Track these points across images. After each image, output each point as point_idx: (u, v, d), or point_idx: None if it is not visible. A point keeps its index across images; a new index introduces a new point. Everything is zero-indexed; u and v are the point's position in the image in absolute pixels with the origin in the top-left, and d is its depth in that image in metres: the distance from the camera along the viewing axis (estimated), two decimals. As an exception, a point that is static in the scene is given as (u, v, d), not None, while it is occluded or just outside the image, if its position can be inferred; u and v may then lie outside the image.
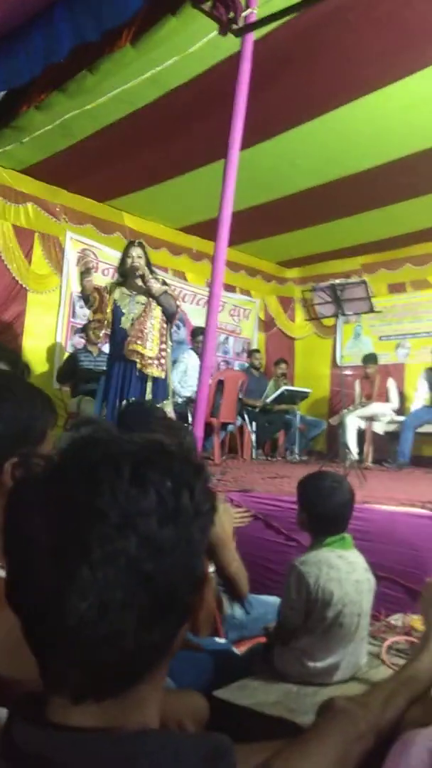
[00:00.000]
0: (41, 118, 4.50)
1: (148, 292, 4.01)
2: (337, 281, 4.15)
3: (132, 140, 4.78)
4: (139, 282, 4.03)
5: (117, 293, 4.10)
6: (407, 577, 2.48)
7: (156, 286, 4.01)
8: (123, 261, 4.14)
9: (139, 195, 5.89)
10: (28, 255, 5.78)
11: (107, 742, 0.50)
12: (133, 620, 0.48)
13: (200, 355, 4.93)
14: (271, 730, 1.36)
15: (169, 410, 4.09)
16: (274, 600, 2.17)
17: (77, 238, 6.10)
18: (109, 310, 4.05)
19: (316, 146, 4.81)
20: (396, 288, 7.29)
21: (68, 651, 0.49)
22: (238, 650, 1.84)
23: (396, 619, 2.11)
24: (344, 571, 1.48)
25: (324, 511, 1.54)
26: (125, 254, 4.13)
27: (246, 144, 3.61)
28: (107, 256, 6.20)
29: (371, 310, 4.19)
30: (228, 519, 1.81)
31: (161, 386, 4.08)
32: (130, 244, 4.21)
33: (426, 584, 1.37)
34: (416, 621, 1.98)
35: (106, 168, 5.32)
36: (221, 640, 1.80)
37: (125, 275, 4.12)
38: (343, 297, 4.06)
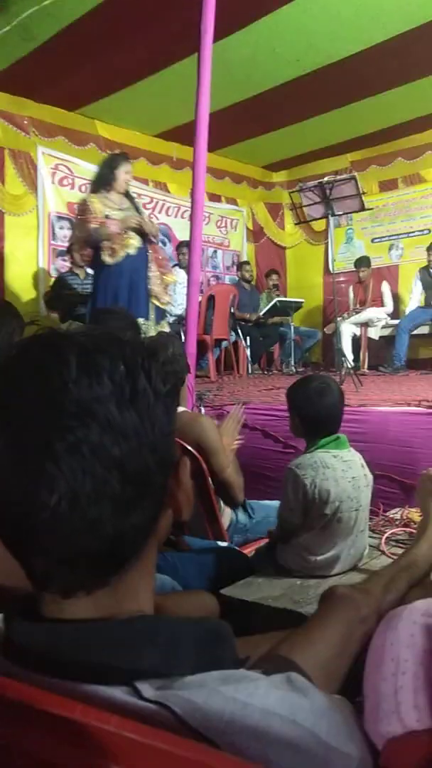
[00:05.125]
0: (-3, 20, 4.14)
1: (141, 233, 3.82)
2: (326, 179, 3.95)
3: (98, 39, 4.43)
4: (132, 222, 3.80)
5: (99, 205, 3.81)
6: (403, 473, 2.54)
7: (153, 229, 3.86)
8: (109, 174, 3.88)
9: (111, 100, 5.52)
10: (-1, 175, 5.50)
11: (103, 629, 0.50)
12: (108, 508, 0.47)
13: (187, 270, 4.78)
14: (278, 622, 1.42)
15: (166, 330, 4.04)
16: (276, 504, 2.22)
17: (49, 152, 5.76)
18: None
19: (296, 32, 4.46)
20: (387, 185, 7.02)
21: (48, 547, 0.48)
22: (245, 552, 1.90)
23: (394, 513, 2.17)
24: (340, 470, 1.49)
25: (313, 414, 1.54)
26: (113, 166, 3.87)
27: (220, 34, 3.33)
28: (83, 170, 5.89)
29: (363, 208, 4.03)
30: (214, 429, 1.82)
31: (158, 307, 4.00)
32: (121, 156, 3.98)
33: (421, 476, 1.38)
34: (414, 513, 2.04)
35: (73, 73, 4.96)
36: (224, 544, 1.86)
37: (106, 189, 3.88)
38: (333, 196, 3.88)
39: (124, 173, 3.89)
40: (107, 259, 3.76)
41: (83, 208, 3.82)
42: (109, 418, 0.47)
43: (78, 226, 3.90)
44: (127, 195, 3.97)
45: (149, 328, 3.88)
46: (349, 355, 5.45)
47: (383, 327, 6.17)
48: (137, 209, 3.98)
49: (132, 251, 3.81)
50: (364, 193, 4.00)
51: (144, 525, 0.51)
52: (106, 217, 3.77)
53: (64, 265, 5.76)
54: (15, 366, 0.50)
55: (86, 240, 3.85)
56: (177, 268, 5.89)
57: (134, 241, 3.81)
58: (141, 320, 3.75)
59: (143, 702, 0.46)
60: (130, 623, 0.51)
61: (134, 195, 4.05)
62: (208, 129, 3.28)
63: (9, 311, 0.93)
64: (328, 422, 1.55)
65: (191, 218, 3.41)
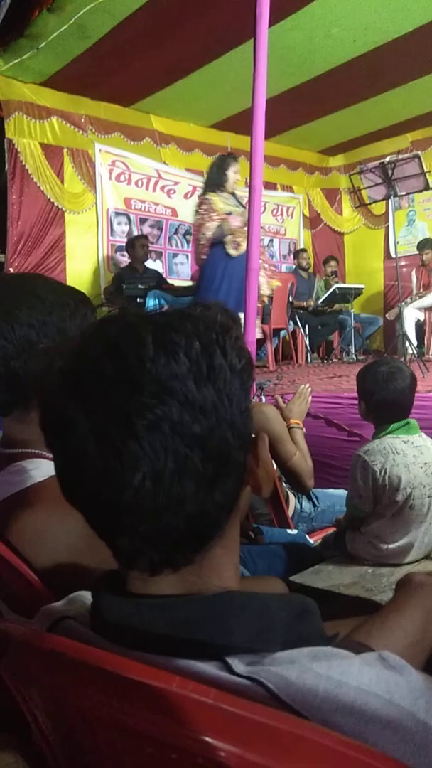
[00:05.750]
0: (55, 21, 4.26)
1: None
2: (388, 159, 3.83)
3: (151, 32, 4.45)
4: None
5: (220, 203, 4.06)
6: None
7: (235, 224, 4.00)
8: (220, 175, 4.10)
9: (165, 93, 5.54)
10: (59, 174, 5.62)
11: (192, 604, 0.51)
12: (190, 485, 0.48)
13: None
14: (350, 610, 1.39)
15: None
16: (341, 493, 2.18)
17: (106, 149, 5.85)
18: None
19: (352, 11, 4.33)
20: (450, 165, 6.73)
21: (133, 527, 0.49)
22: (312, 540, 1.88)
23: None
24: (411, 456, 1.45)
25: (383, 398, 1.51)
26: (223, 168, 4.10)
27: (274, 19, 3.26)
28: (139, 165, 5.96)
29: (427, 187, 3.88)
30: (278, 416, 1.80)
31: None
32: (229, 157, 4.18)
33: None
34: None
35: (127, 68, 5.01)
36: (293, 532, 1.84)
37: (219, 189, 4.09)
38: (395, 176, 3.76)
39: (233, 173, 4.11)
40: (232, 252, 4.00)
41: (206, 206, 4.05)
42: (188, 395, 0.47)
43: (202, 224, 4.10)
44: (379, 169, 4.15)
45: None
46: (414, 341, 5.28)
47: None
48: (243, 206, 4.13)
49: None
50: (428, 171, 3.85)
51: (225, 502, 0.51)
52: (228, 213, 4.02)
53: (123, 260, 5.86)
54: (91, 346, 0.50)
55: (212, 236, 4.06)
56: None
57: None
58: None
59: (235, 677, 0.46)
60: (219, 598, 0.51)
61: (236, 193, 4.23)
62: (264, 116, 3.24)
63: (83, 299, 0.94)
64: (396, 407, 1.51)
65: (249, 207, 3.38)
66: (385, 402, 1.51)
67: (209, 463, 0.48)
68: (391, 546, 1.50)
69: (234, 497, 0.53)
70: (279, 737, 0.40)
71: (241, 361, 0.52)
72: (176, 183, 6.30)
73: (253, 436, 0.54)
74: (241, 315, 4.00)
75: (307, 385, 2.10)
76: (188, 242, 6.49)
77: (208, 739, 0.40)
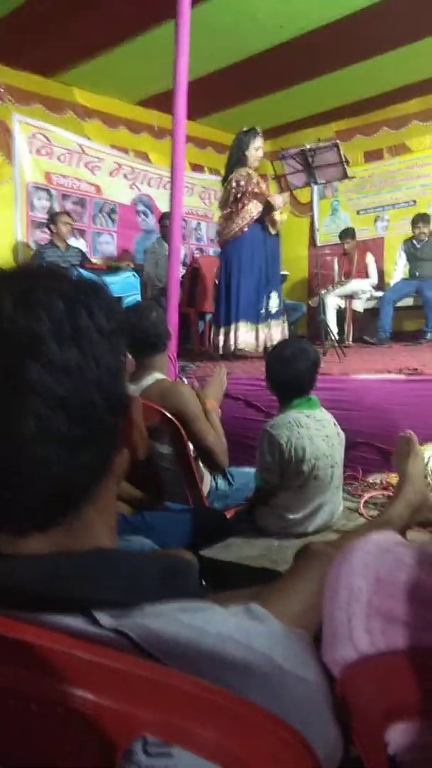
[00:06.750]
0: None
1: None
2: (308, 145, 3.90)
3: (74, 1, 4.28)
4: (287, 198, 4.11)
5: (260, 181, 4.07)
6: (383, 440, 2.56)
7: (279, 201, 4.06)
8: (240, 154, 4.06)
9: (89, 65, 5.37)
10: (-25, 144, 5.36)
11: (60, 561, 0.50)
12: (54, 448, 0.47)
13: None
14: (256, 582, 1.43)
15: None
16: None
17: (26, 120, 5.60)
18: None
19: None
20: (373, 156, 6.94)
21: None
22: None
23: (373, 478, 2.20)
24: (313, 428, 1.52)
25: (285, 377, 1.58)
26: (243, 147, 4.06)
27: (199, -1, 3.23)
28: (61, 139, 5.76)
29: (345, 176, 3.98)
30: (194, 396, 1.82)
31: None
32: (250, 132, 4.10)
33: (398, 438, 1.40)
34: (392, 477, 2.06)
35: (49, 37, 4.82)
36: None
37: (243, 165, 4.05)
38: (315, 163, 3.83)
39: (254, 150, 4.06)
40: (272, 230, 4.10)
41: (248, 180, 3.98)
42: (50, 356, 0.46)
43: (243, 202, 4.05)
44: (300, 155, 4.13)
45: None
46: (334, 328, 5.45)
47: (368, 299, 6.17)
48: None
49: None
50: (347, 161, 3.95)
51: (95, 465, 0.51)
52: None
53: (43, 237, 5.66)
54: None
55: (257, 214, 4.05)
56: (162, 240, 5.83)
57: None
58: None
59: (101, 630, 0.46)
60: (88, 554, 0.51)
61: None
62: (187, 96, 3.22)
63: None
64: (296, 385, 1.59)
65: (171, 187, 3.36)
66: (286, 380, 1.58)
67: (74, 425, 0.47)
68: (297, 516, 1.56)
69: (106, 461, 0.52)
70: (136, 683, 0.41)
71: (110, 322, 0.51)
72: (101, 159, 6.14)
73: (127, 398, 0.54)
74: (276, 292, 4.25)
75: (223, 367, 2.13)
76: (113, 221, 6.37)
77: (64, 687, 0.40)
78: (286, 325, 4.40)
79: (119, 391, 0.52)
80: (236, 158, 4.10)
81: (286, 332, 4.38)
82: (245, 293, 4.12)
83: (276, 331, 4.19)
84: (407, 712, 0.51)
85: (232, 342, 4.15)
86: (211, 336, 4.50)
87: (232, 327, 4.16)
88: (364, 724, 0.52)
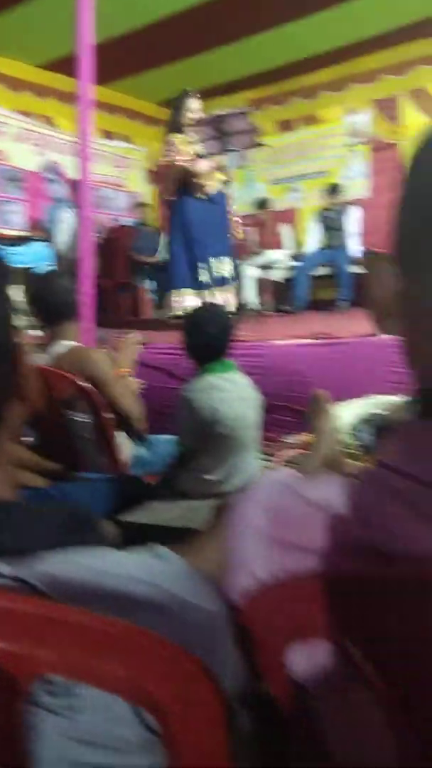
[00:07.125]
0: None
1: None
2: (217, 112, 3.89)
3: None
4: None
5: (184, 144, 3.95)
6: (300, 402, 2.64)
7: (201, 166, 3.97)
8: (178, 114, 4.00)
9: (-12, 24, 5.04)
10: None
11: None
12: None
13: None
14: (174, 541, 1.46)
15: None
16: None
17: None
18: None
19: None
20: (285, 126, 7.00)
21: None
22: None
23: (291, 439, 2.27)
24: (228, 390, 1.55)
25: (198, 340, 1.59)
26: (177, 108, 4.02)
27: None
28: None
29: (257, 144, 4.01)
30: (105, 360, 1.81)
31: None
32: (182, 95, 4.05)
33: (312, 397, 1.44)
34: (309, 437, 2.14)
35: None
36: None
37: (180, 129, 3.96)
38: (226, 130, 3.83)
39: (187, 113, 3.99)
40: (201, 196, 3.98)
41: (169, 147, 3.90)
42: None
43: (169, 165, 3.94)
44: (212, 122, 3.99)
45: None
46: (253, 297, 5.51)
47: (285, 269, 6.27)
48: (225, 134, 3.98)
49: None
50: (257, 130, 3.97)
51: None
52: (196, 155, 3.96)
53: None
54: None
55: (174, 179, 3.94)
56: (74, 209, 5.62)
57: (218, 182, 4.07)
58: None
59: (1, 579, 0.46)
60: None
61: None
62: (95, 60, 3.09)
63: None
64: (212, 348, 1.60)
65: (80, 155, 3.25)
66: (199, 344, 1.60)
67: None
68: (216, 477, 1.59)
69: None
70: (34, 623, 0.41)
71: None
72: (4, 124, 5.82)
73: (14, 347, 0.53)
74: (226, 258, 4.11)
75: (134, 334, 2.13)
76: (21, 189, 6.07)
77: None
78: (236, 291, 4.33)
79: (4, 338, 0.51)
80: (171, 124, 4.09)
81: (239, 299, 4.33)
82: (179, 262, 4.09)
83: (223, 298, 4.08)
84: (305, 635, 0.54)
85: (179, 309, 4.06)
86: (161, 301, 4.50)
87: (174, 293, 4.12)
88: (266, 652, 0.55)
